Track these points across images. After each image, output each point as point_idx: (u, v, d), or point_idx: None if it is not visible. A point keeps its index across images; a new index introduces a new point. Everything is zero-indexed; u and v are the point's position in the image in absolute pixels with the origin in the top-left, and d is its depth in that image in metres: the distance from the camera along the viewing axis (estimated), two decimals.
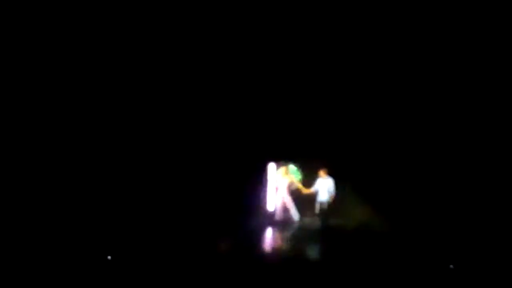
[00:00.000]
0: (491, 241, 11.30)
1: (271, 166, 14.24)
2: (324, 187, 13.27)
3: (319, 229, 13.31)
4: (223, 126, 14.46)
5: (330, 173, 13.32)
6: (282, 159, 14.27)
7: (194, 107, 14.41)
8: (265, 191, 14.19)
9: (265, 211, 14.13)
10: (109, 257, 10.57)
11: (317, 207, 13.38)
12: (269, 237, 13.36)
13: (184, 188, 13.87)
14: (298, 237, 13.15)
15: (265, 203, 14.17)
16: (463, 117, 13.63)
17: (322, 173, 13.33)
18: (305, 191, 13.69)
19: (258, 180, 14.20)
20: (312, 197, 13.64)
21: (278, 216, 14.10)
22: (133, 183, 13.64)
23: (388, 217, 12.76)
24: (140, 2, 13.94)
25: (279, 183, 14.13)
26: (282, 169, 14.14)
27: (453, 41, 13.42)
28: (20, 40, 13.54)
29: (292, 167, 14.25)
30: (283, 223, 13.93)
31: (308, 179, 13.92)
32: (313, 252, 12.40)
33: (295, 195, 14.07)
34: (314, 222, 13.72)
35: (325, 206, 13.22)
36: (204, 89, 14.37)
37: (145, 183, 13.72)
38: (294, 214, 14.06)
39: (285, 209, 14.12)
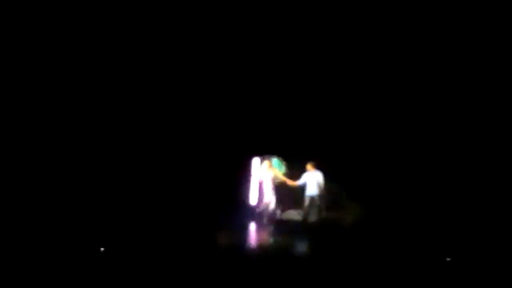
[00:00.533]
0: (488, 235, 11.55)
1: (255, 161, 14.09)
2: (313, 181, 13.26)
3: (306, 223, 13.32)
4: (206, 121, 14.28)
5: (318, 167, 13.32)
6: (265, 153, 14.15)
7: (178, 102, 14.15)
8: (248, 186, 14.04)
9: (249, 206, 13.99)
10: (102, 249, 10.42)
11: (306, 201, 13.34)
12: (253, 232, 13.26)
13: (168, 183, 13.66)
14: (282, 231, 13.09)
15: (248, 197, 14.04)
16: (454, 112, 14.00)
17: (310, 166, 13.32)
18: (291, 183, 13.62)
19: (242, 174, 14.04)
20: (297, 191, 13.61)
21: (261, 210, 13.94)
22: (119, 178, 13.25)
23: (380, 211, 12.96)
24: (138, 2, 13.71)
25: (263, 177, 13.98)
26: (266, 163, 14.02)
27: (452, 41, 13.76)
28: (20, 40, 13.06)
29: (275, 161, 14.15)
30: (266, 217, 13.79)
31: (293, 172, 13.87)
32: (299, 247, 12.27)
33: (279, 189, 13.97)
34: (298, 215, 13.74)
35: (317, 201, 13.20)
36: (188, 84, 14.14)
37: (130, 179, 13.42)
38: (277, 208, 13.95)
39: (268, 203, 13.98)
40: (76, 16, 13.72)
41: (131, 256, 10.24)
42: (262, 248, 11.91)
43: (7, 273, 9.06)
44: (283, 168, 14.17)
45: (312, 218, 13.33)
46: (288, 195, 13.96)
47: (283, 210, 14.05)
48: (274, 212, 13.85)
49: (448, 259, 10.36)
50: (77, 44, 13.93)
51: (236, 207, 13.72)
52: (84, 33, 13.83)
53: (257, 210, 13.92)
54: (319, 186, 13.19)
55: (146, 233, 11.56)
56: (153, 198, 13.31)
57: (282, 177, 13.88)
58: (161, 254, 10.37)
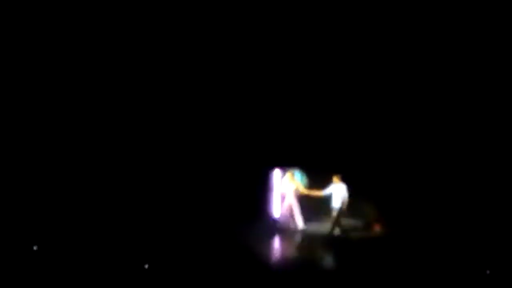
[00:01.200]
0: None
1: (276, 173, 14.02)
2: (337, 193, 13.24)
3: (326, 236, 13.28)
4: (229, 133, 14.24)
5: (343, 179, 13.30)
6: (287, 165, 14.08)
7: (202, 114, 14.09)
8: (270, 198, 13.96)
9: (271, 218, 13.92)
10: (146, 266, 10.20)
11: (334, 213, 13.31)
12: (275, 244, 13.16)
13: (191, 194, 13.71)
14: (304, 244, 13.09)
15: (271, 209, 13.96)
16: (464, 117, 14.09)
17: (335, 179, 13.29)
18: (315, 194, 13.55)
19: (264, 186, 13.97)
20: (322, 202, 13.58)
21: (284, 222, 13.88)
22: (143, 190, 13.16)
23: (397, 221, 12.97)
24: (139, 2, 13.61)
25: (285, 189, 13.91)
26: (288, 175, 13.93)
27: (452, 41, 13.87)
28: (20, 40, 12.83)
29: (297, 173, 14.08)
30: (289, 230, 13.74)
31: (316, 185, 13.83)
32: (320, 259, 12.32)
33: (302, 201, 13.91)
34: (321, 228, 13.70)
35: (336, 213, 13.19)
36: (211, 95, 14.10)
37: (154, 190, 13.26)
38: (299, 220, 13.89)
39: (291, 216, 13.93)
40: (76, 16, 13.59)
41: (153, 267, 10.17)
42: (285, 261, 11.87)
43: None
44: (305, 180, 14.10)
45: (335, 229, 13.28)
46: (308, 207, 13.89)
47: (304, 222, 13.97)
48: (294, 224, 13.78)
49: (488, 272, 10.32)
50: (79, 45, 13.98)
51: (258, 219, 13.66)
52: (86, 34, 13.70)
53: (280, 222, 13.82)
54: (342, 199, 13.15)
55: (168, 245, 11.51)
56: (175, 210, 13.31)
57: (303, 189, 13.81)
58: (183, 268, 10.30)
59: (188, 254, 11.00)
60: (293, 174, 13.97)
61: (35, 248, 10.48)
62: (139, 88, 14.06)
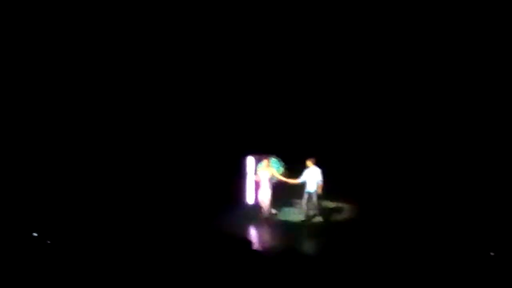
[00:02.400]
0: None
1: (250, 160, 13.79)
2: (311, 177, 12.90)
3: (301, 222, 12.92)
4: (204, 121, 14.10)
5: (317, 163, 12.98)
6: (263, 152, 13.84)
7: (177, 101, 14.00)
8: (245, 185, 13.75)
9: (246, 205, 13.70)
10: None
11: (305, 197, 12.96)
12: (250, 231, 12.82)
13: (165, 182, 13.53)
14: (279, 231, 12.74)
15: (245, 196, 13.76)
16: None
17: (309, 162, 12.98)
18: (291, 181, 13.26)
19: (238, 174, 13.72)
20: (299, 188, 13.26)
21: (258, 209, 13.54)
22: (116, 176, 13.09)
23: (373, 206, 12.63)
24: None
25: (261, 176, 13.61)
26: (264, 162, 13.66)
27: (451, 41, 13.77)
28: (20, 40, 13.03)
29: (273, 160, 13.81)
30: (262, 216, 13.41)
31: (293, 171, 13.52)
32: (298, 245, 11.91)
33: (278, 188, 13.58)
34: (297, 214, 13.35)
35: (313, 197, 12.82)
36: (185, 84, 14.04)
37: (129, 178, 13.29)
38: (272, 207, 13.53)
39: (265, 203, 13.57)
40: (76, 16, 13.77)
41: (130, 256, 9.68)
42: (260, 247, 11.48)
43: None
44: (281, 168, 13.83)
45: (310, 214, 12.89)
46: (287, 193, 13.57)
47: (283, 208, 13.78)
48: (270, 211, 13.43)
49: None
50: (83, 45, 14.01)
51: (232, 206, 13.46)
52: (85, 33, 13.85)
53: (253, 209, 13.50)
54: (317, 183, 12.79)
55: (145, 232, 11.18)
56: (150, 197, 13.13)
57: (279, 176, 13.51)
58: (159, 254, 9.83)
59: (163, 242, 10.50)
60: (269, 162, 13.72)
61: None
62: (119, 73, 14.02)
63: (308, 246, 12.01)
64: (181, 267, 9.28)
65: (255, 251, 10.92)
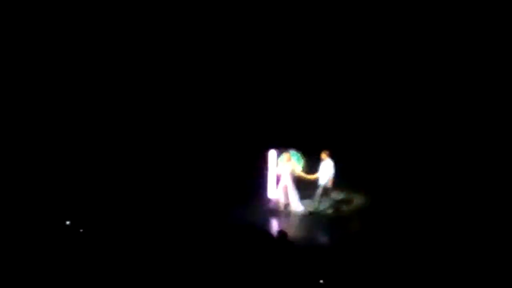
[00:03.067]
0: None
1: (272, 153, 14.02)
2: (324, 170, 13.06)
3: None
4: (225, 115, 14.46)
5: (331, 155, 13.11)
6: (284, 146, 14.07)
7: (197, 96, 14.46)
8: (266, 179, 13.93)
9: (267, 199, 13.89)
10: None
11: (319, 191, 13.13)
12: (271, 225, 13.08)
13: (186, 177, 13.84)
14: (301, 224, 12.92)
15: (266, 190, 13.93)
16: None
17: (324, 155, 13.14)
18: (310, 177, 13.43)
19: (260, 167, 13.98)
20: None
21: (280, 203, 13.81)
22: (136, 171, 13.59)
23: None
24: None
25: (281, 170, 13.85)
26: (284, 156, 13.86)
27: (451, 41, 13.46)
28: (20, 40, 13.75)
29: (294, 153, 14.00)
30: (283, 211, 13.65)
31: (313, 165, 13.69)
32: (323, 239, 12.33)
33: (299, 181, 13.78)
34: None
35: (325, 189, 12.97)
36: (207, 79, 14.45)
37: (149, 171, 13.71)
38: (296, 201, 13.74)
39: (287, 197, 13.82)
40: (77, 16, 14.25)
41: (158, 246, 10.27)
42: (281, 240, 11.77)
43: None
44: (302, 162, 13.99)
45: (324, 206, 13.00)
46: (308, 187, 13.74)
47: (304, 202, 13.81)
48: (290, 205, 13.66)
49: None
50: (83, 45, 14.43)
51: (253, 200, 13.69)
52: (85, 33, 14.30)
53: (274, 202, 13.78)
54: (329, 176, 12.93)
55: (165, 224, 11.66)
56: (172, 190, 13.51)
57: (299, 172, 13.69)
58: (180, 246, 10.32)
59: (182, 237, 10.95)
60: (289, 155, 13.93)
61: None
62: (129, 71, 14.43)
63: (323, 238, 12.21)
64: (195, 261, 9.69)
65: (292, 242, 11.31)
